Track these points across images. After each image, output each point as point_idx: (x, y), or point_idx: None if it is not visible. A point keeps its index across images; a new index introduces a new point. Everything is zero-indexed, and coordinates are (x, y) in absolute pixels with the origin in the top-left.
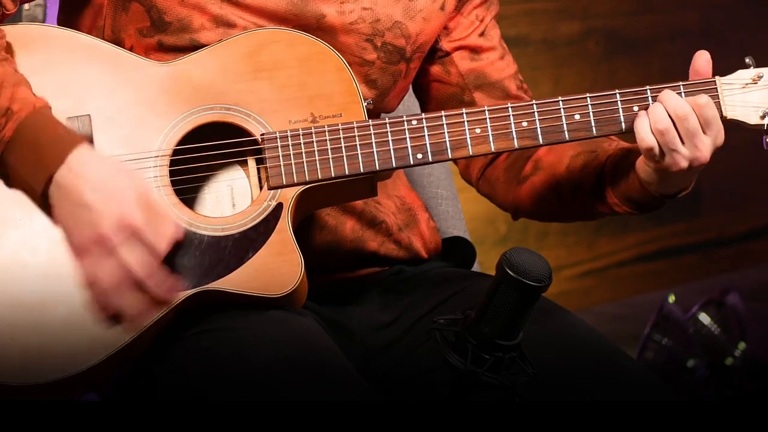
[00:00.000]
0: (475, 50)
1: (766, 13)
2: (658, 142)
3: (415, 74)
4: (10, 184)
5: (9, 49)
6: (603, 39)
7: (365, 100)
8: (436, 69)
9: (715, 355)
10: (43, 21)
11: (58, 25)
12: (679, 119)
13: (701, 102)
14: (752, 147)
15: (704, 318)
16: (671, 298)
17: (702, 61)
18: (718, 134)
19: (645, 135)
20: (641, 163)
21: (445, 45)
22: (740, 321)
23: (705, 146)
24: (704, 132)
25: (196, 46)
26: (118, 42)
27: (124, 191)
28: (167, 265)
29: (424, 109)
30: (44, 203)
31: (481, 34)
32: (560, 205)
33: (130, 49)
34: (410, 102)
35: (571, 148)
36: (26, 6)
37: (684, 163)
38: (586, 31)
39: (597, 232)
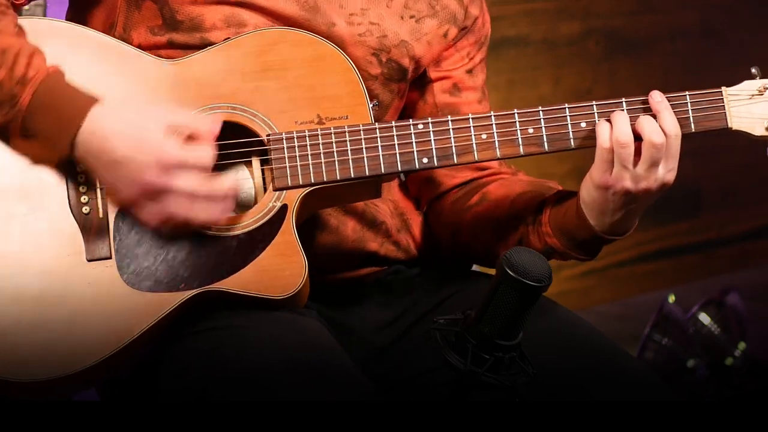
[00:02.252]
0: (456, 86)
1: (766, 13)
2: (613, 149)
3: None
4: (36, 150)
5: (21, 31)
6: (603, 39)
7: (371, 100)
8: (413, 95)
9: (715, 355)
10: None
11: (71, 18)
12: (652, 144)
13: (673, 132)
14: (752, 147)
15: (704, 318)
16: (671, 298)
17: (656, 103)
18: (669, 171)
19: (604, 139)
20: (586, 182)
21: (432, 73)
22: (740, 321)
23: (657, 176)
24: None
25: (206, 45)
26: (127, 39)
27: (151, 132)
28: (172, 261)
29: None
30: (76, 164)
31: (468, 72)
32: (496, 233)
33: (138, 47)
34: None
35: (521, 186)
36: (26, 6)
37: (628, 183)
38: (586, 31)
39: None
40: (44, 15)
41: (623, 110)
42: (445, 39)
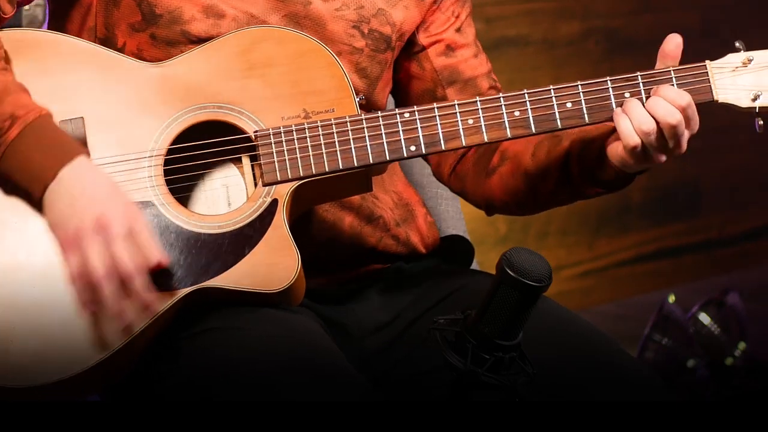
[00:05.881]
0: (450, 46)
1: (766, 12)
2: (642, 141)
3: (392, 65)
4: (6, 187)
5: (5, 56)
6: (603, 39)
7: (357, 94)
8: (410, 64)
9: (715, 355)
10: (43, 21)
11: (50, 26)
12: (669, 126)
13: (684, 104)
14: (752, 147)
15: (704, 318)
16: (671, 298)
17: (672, 45)
18: (695, 125)
19: (629, 134)
20: (615, 153)
21: (422, 39)
22: (740, 321)
23: (685, 140)
24: (686, 128)
25: (188, 38)
26: (111, 39)
27: (119, 196)
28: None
29: (398, 105)
30: (41, 205)
31: (457, 30)
32: (530, 193)
33: (123, 46)
34: None
35: (535, 136)
36: (26, 6)
37: (664, 158)
38: (586, 31)
39: (597, 232)
40: (44, 15)
41: (633, 97)
42: (423, 2)
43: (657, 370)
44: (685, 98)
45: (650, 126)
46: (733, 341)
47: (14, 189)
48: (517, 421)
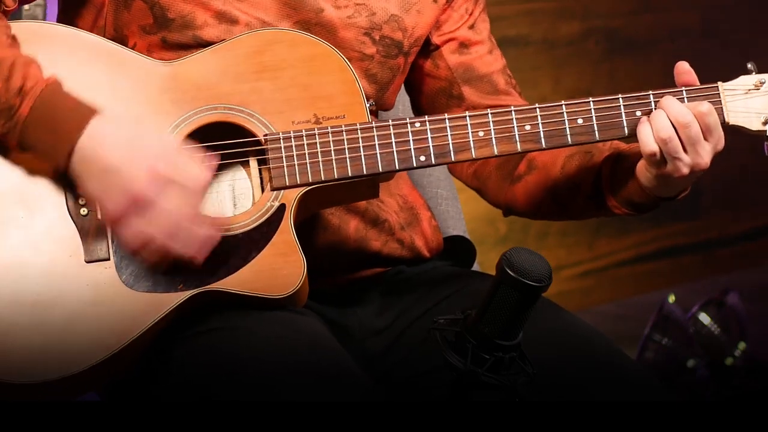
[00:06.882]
0: (463, 44)
1: (766, 13)
2: (660, 149)
3: (407, 69)
4: (31, 161)
5: (14, 41)
6: (603, 39)
7: (368, 100)
8: (425, 63)
9: (715, 355)
10: (43, 20)
11: (60, 23)
12: (682, 126)
13: (703, 110)
14: (752, 147)
15: (704, 318)
16: (671, 298)
17: (684, 73)
18: (718, 140)
19: (648, 141)
20: (642, 169)
21: (435, 38)
22: (740, 321)
23: (706, 152)
24: (705, 139)
25: (199, 43)
26: (120, 40)
27: (145, 146)
28: (171, 261)
29: (414, 104)
30: (68, 177)
31: (471, 27)
32: (556, 206)
33: (133, 47)
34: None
35: (565, 148)
36: (26, 6)
37: (685, 170)
38: (586, 31)
39: (597, 232)
40: (44, 15)
41: (654, 108)
42: (436, 4)
43: (657, 370)
44: (704, 105)
45: (668, 132)
46: (733, 341)
47: (39, 164)
48: (517, 421)
